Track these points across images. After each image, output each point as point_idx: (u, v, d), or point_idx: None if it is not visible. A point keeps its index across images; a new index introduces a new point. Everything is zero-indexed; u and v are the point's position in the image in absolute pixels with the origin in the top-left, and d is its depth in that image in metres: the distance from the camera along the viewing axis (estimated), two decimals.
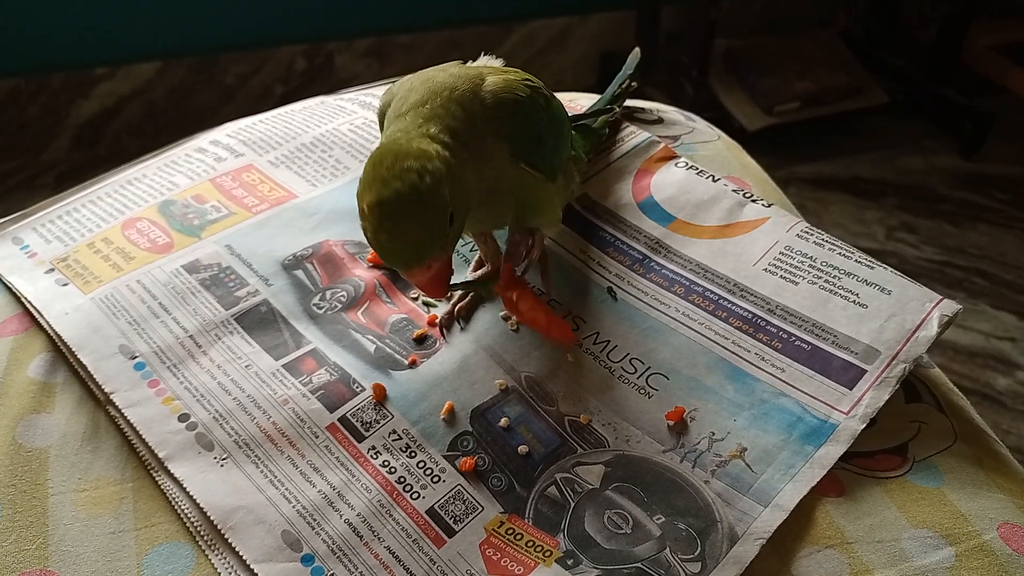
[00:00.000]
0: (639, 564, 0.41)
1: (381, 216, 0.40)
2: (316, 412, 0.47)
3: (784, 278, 0.53)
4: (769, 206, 0.58)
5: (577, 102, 0.71)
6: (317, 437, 0.46)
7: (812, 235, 0.56)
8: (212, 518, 0.42)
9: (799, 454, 0.45)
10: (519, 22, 1.84)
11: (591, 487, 0.44)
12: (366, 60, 1.78)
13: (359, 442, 0.46)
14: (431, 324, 0.53)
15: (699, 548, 0.41)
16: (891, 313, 0.50)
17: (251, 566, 0.40)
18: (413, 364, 0.50)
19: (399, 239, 0.41)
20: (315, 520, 0.42)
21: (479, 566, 0.41)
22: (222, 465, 0.44)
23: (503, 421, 0.47)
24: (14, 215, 0.61)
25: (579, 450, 0.46)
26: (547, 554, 0.42)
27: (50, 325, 0.51)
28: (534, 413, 0.48)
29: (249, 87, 1.73)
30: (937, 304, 0.51)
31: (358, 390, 0.48)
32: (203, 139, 0.69)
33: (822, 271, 0.53)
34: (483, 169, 0.45)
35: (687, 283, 0.54)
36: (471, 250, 0.58)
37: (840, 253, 0.54)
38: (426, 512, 0.43)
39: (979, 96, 1.87)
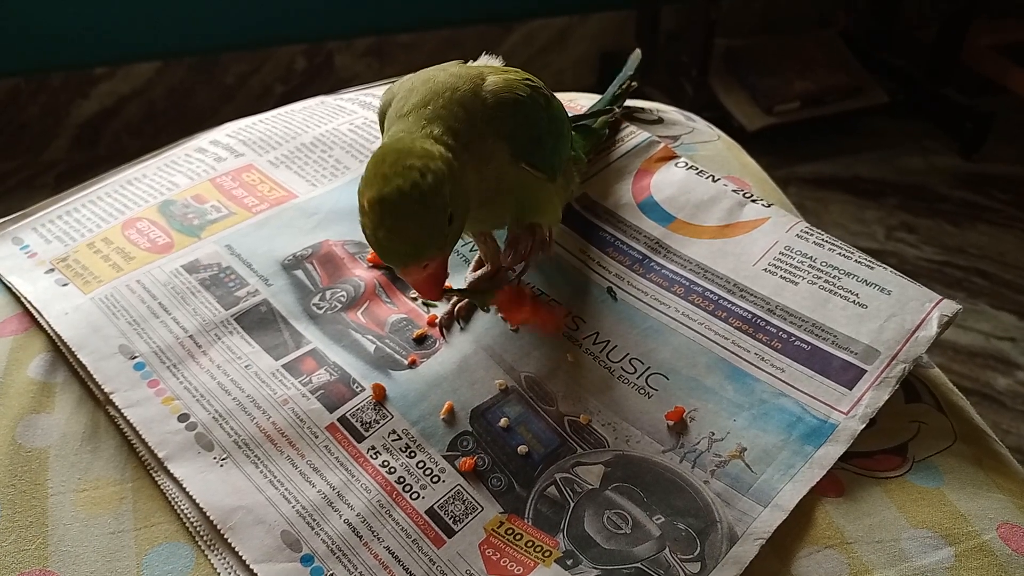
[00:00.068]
0: (639, 564, 0.41)
1: (381, 213, 0.40)
2: (316, 412, 0.47)
3: (784, 278, 0.53)
4: (769, 206, 0.58)
5: (577, 102, 0.71)
6: (317, 437, 0.46)
7: (812, 235, 0.56)
8: (212, 518, 0.42)
9: (799, 454, 0.45)
10: (519, 22, 1.84)
11: (591, 487, 0.44)
12: (366, 60, 1.78)
13: (359, 442, 0.46)
14: (431, 324, 0.53)
15: (699, 548, 0.41)
16: (891, 313, 0.50)
17: (251, 566, 0.40)
18: (413, 364, 0.50)
19: (398, 236, 0.41)
20: (315, 520, 0.42)
21: (478, 566, 0.41)
22: (222, 465, 0.44)
23: (503, 421, 0.47)
24: (14, 215, 0.61)
25: (579, 450, 0.46)
26: (546, 554, 0.42)
27: (50, 325, 0.51)
28: (534, 413, 0.48)
29: (249, 87, 1.73)
30: (937, 304, 0.51)
31: (358, 390, 0.48)
32: (203, 139, 0.69)
33: (822, 271, 0.53)
34: (484, 169, 0.45)
35: (687, 283, 0.54)
36: (471, 250, 0.58)
37: (840, 253, 0.54)
38: (426, 512, 0.43)
39: (979, 96, 1.87)
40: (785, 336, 0.50)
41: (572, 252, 0.57)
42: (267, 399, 0.48)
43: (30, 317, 0.53)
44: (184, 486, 0.43)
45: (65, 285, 0.54)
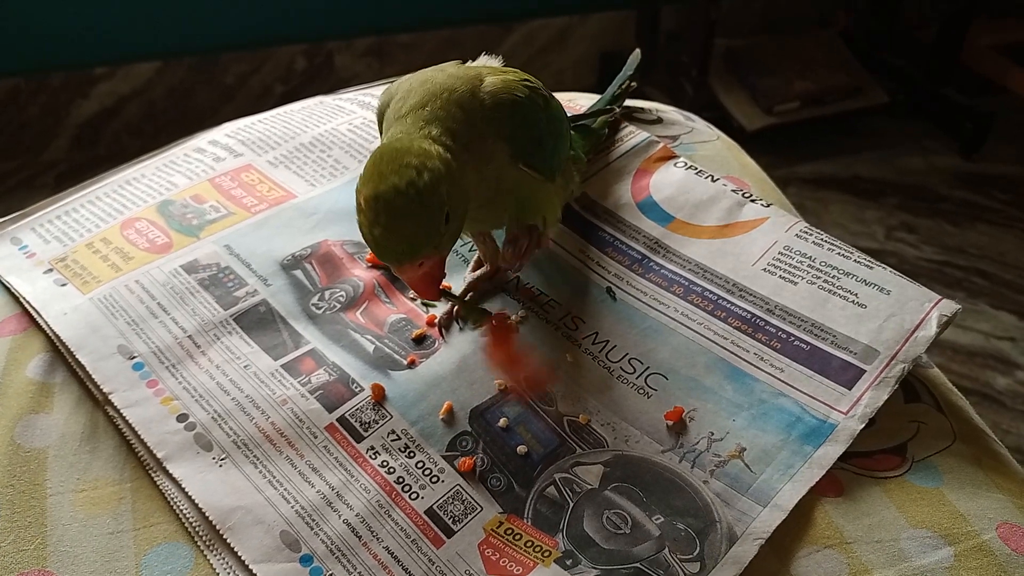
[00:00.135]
0: (638, 564, 0.41)
1: (377, 210, 0.40)
2: (315, 412, 0.47)
3: (783, 278, 0.53)
4: (768, 206, 0.58)
5: (577, 102, 0.71)
6: (316, 437, 0.46)
7: (811, 235, 0.56)
8: (211, 518, 0.42)
9: (798, 454, 0.45)
10: (519, 22, 1.84)
11: (590, 487, 0.44)
12: (366, 60, 1.78)
13: (358, 442, 0.46)
14: (430, 324, 0.53)
15: (698, 548, 0.41)
16: (890, 313, 0.50)
17: (250, 566, 0.40)
18: (412, 364, 0.50)
19: (393, 234, 0.41)
20: (314, 520, 0.42)
21: (478, 566, 0.41)
22: (221, 465, 0.44)
23: (502, 421, 0.47)
24: (13, 215, 0.61)
25: (578, 450, 0.46)
26: (546, 554, 0.41)
27: (49, 325, 0.51)
28: (533, 413, 0.48)
29: (249, 87, 1.73)
30: (936, 304, 0.51)
31: (357, 390, 0.48)
32: (202, 139, 0.69)
33: (821, 271, 0.53)
34: (483, 170, 0.46)
35: (686, 283, 0.54)
36: (470, 250, 0.57)
37: (839, 253, 0.54)
38: (425, 512, 0.43)
39: (979, 96, 1.87)
40: (784, 336, 0.50)
41: (571, 252, 0.57)
42: (266, 399, 0.47)
43: (29, 317, 0.53)
44: (183, 486, 0.43)
45: (64, 285, 0.54)
